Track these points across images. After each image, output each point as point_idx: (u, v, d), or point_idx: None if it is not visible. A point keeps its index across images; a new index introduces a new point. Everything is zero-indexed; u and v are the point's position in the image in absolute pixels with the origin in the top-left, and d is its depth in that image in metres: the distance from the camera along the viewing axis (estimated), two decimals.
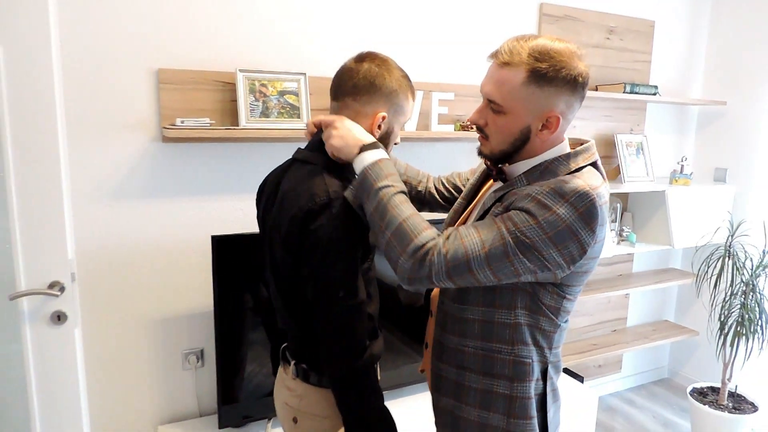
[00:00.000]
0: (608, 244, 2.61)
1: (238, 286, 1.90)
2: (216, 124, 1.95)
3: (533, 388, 1.15)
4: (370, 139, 1.14)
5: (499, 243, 1.00)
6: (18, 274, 1.60)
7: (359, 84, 1.18)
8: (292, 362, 1.27)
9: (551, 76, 1.03)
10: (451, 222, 1.32)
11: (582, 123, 2.82)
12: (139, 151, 1.91)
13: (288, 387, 1.28)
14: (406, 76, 1.22)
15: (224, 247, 1.84)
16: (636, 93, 2.68)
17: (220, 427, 1.94)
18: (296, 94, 2.03)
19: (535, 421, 1.16)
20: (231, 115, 1.99)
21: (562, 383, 2.49)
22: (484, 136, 1.14)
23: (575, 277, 1.10)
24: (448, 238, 1.03)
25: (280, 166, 1.33)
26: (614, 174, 2.89)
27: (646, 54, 2.93)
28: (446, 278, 1.02)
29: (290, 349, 1.30)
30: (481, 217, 1.14)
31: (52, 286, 1.63)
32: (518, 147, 1.10)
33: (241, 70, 1.94)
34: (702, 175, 3.19)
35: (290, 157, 1.31)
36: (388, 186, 1.07)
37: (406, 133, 2.18)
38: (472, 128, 2.21)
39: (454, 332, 1.19)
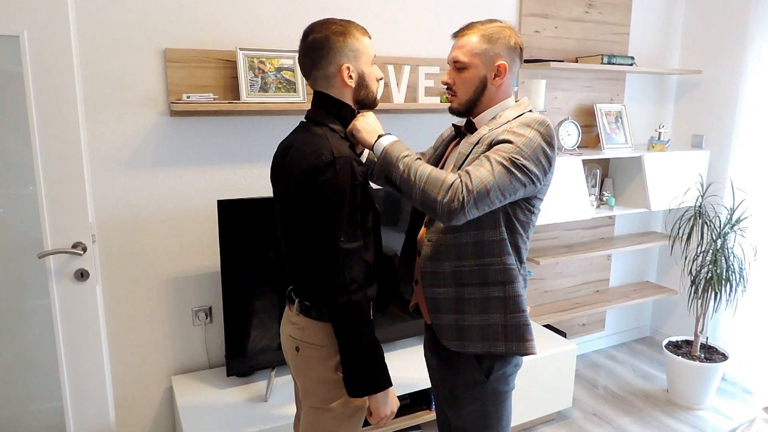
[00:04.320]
0: (588, 207, 2.79)
1: (242, 247, 2.09)
2: (219, 99, 2.12)
3: (521, 287, 1.46)
4: (382, 130, 1.44)
5: (500, 168, 1.31)
6: (45, 235, 1.79)
7: (312, 56, 1.36)
8: (297, 300, 1.45)
9: (497, 37, 1.42)
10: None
11: (563, 94, 2.97)
12: (149, 125, 2.08)
13: (292, 321, 1.47)
14: (345, 23, 1.38)
15: (229, 211, 2.02)
16: (613, 64, 2.83)
17: (228, 375, 2.15)
18: (292, 70, 2.19)
19: (527, 314, 1.47)
20: (233, 91, 2.16)
21: (546, 336, 2.69)
22: (453, 93, 1.48)
23: (542, 189, 1.43)
24: (463, 178, 1.30)
25: (290, 133, 1.51)
26: (594, 142, 3.05)
27: (625, 26, 3.08)
28: (473, 206, 1.29)
29: (295, 290, 1.48)
30: (463, 162, 1.42)
31: (75, 246, 1.82)
32: (479, 94, 1.45)
33: (241, 49, 2.10)
34: (680, 142, 3.35)
35: (291, 129, 1.51)
36: (409, 155, 1.38)
37: (395, 105, 2.35)
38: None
39: (450, 257, 1.45)
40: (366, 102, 1.44)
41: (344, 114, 1.42)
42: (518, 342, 1.45)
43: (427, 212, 1.35)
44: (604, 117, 3.01)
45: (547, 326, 2.93)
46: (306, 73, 1.41)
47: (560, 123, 2.86)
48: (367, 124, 1.43)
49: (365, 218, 1.38)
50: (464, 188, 1.28)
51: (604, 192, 3.06)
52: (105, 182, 2.05)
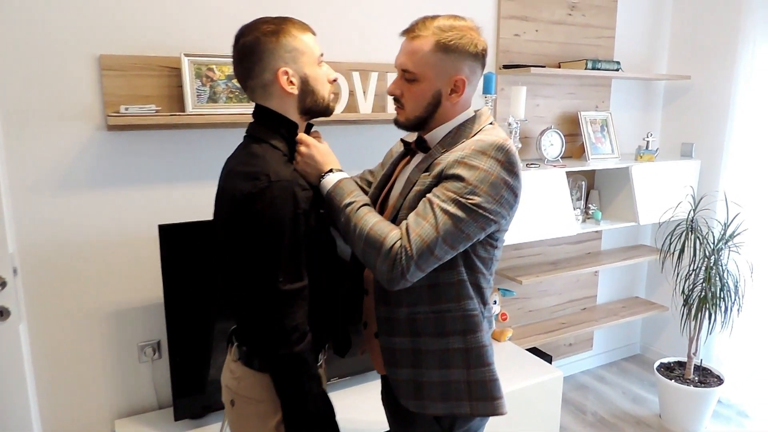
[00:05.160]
0: (573, 222, 2.61)
1: (188, 275, 1.87)
2: (163, 111, 1.90)
3: (485, 337, 1.26)
4: (329, 165, 1.22)
5: (446, 218, 1.09)
6: None
7: (244, 64, 1.16)
8: (235, 344, 1.26)
9: (455, 44, 1.16)
10: (374, 200, 1.36)
11: (545, 101, 2.79)
12: (82, 141, 1.86)
13: (230, 369, 1.27)
14: (279, 20, 1.18)
15: (172, 237, 1.80)
16: (598, 69, 2.66)
17: (176, 419, 1.92)
18: None
19: (494, 367, 1.27)
20: (178, 101, 1.94)
21: (530, 363, 2.49)
22: (400, 106, 1.25)
23: (506, 223, 1.21)
24: (403, 240, 1.10)
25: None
26: (579, 152, 2.87)
27: (610, 30, 2.90)
28: (416, 269, 1.11)
29: (236, 332, 1.28)
30: (410, 191, 1.21)
31: None
32: (431, 112, 1.22)
33: (186, 55, 1.88)
34: (669, 150, 3.19)
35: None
36: (352, 202, 1.17)
37: (362, 115, 2.14)
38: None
39: (402, 303, 1.24)
40: (316, 109, 1.23)
41: (287, 129, 1.21)
42: (485, 401, 1.24)
43: None
44: (589, 125, 2.83)
45: (532, 350, 2.73)
46: (242, 84, 1.21)
47: (542, 132, 2.67)
48: (312, 157, 1.21)
49: (313, 252, 1.18)
50: (404, 253, 1.09)
51: (589, 205, 2.87)
52: (31, 207, 1.82)
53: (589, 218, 2.84)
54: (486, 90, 2.44)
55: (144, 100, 1.90)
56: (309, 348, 1.12)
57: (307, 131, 1.29)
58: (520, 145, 2.54)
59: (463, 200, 1.10)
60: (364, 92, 2.18)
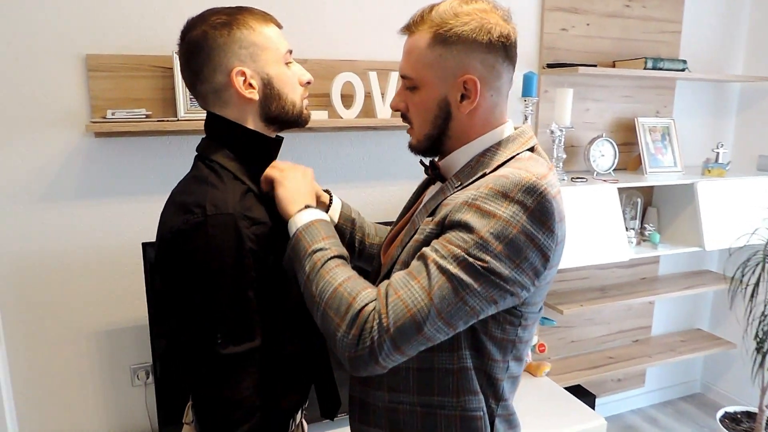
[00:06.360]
0: (625, 246, 2.26)
1: None
2: (155, 115, 1.72)
3: None
4: (300, 202, 0.95)
5: (444, 281, 0.79)
6: None
7: (191, 65, 0.93)
8: (190, 403, 1.04)
9: (457, 32, 0.86)
10: (388, 242, 1.06)
11: (596, 105, 2.45)
12: (68, 148, 1.70)
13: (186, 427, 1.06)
14: (233, 10, 0.94)
15: None
16: (659, 69, 2.30)
17: None
18: None
19: None
20: (172, 105, 1.75)
21: (568, 406, 2.17)
22: (409, 124, 0.97)
23: (535, 294, 0.88)
24: (380, 297, 0.81)
25: None
26: (635, 164, 2.51)
27: (676, 23, 2.52)
28: (393, 350, 0.79)
29: None
30: (410, 239, 0.91)
31: None
32: (442, 128, 0.92)
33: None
34: (743, 164, 2.76)
35: None
36: (323, 249, 0.88)
37: (379, 121, 1.89)
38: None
39: (382, 386, 0.94)
40: (285, 118, 0.99)
41: (243, 143, 0.97)
42: None
43: None
44: (648, 134, 2.47)
45: (575, 387, 2.41)
46: (192, 91, 0.98)
47: (592, 141, 2.34)
48: (277, 198, 0.95)
49: (278, 300, 0.94)
50: (376, 322, 0.79)
51: (646, 225, 2.51)
52: (10, 219, 1.67)
53: (645, 241, 2.47)
54: (526, 92, 2.14)
55: (134, 103, 1.72)
56: (259, 426, 0.89)
57: (280, 144, 1.05)
58: (564, 156, 2.22)
59: (469, 259, 0.79)
60: (382, 94, 1.93)
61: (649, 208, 2.60)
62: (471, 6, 0.88)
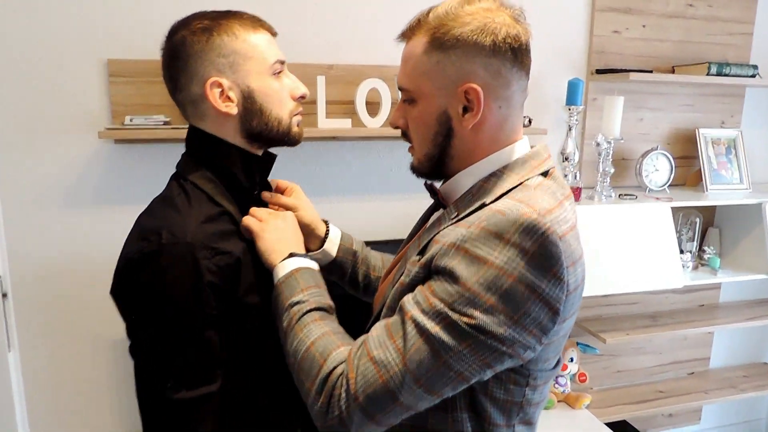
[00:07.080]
0: (679, 270, 2.04)
1: None
2: (173, 122, 1.68)
3: None
4: (285, 250, 0.88)
5: (421, 343, 0.68)
6: None
7: (170, 73, 0.86)
8: None
9: (456, 35, 0.74)
10: (384, 276, 0.97)
11: (652, 115, 2.23)
12: (88, 153, 1.68)
13: None
14: (217, 15, 0.85)
15: None
16: (726, 75, 2.06)
17: None
18: None
19: None
20: None
21: None
22: (410, 142, 0.86)
23: (546, 350, 0.75)
24: (350, 359, 0.72)
25: None
26: (694, 180, 2.28)
27: (747, 24, 2.27)
28: (367, 420, 0.70)
29: None
30: (400, 277, 0.79)
31: None
32: (443, 146, 0.80)
33: None
34: None
35: None
36: (300, 302, 0.81)
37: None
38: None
39: None
40: (269, 135, 0.89)
41: (223, 160, 0.88)
42: None
43: None
44: (711, 146, 2.23)
45: (620, 423, 2.20)
46: (172, 98, 0.90)
47: (645, 154, 2.13)
48: (267, 239, 0.87)
49: (242, 339, 0.84)
50: (343, 389, 0.69)
51: (705, 248, 2.26)
52: (26, 225, 1.66)
53: (703, 265, 2.23)
54: (570, 100, 1.96)
55: (155, 109, 1.68)
56: None
57: (269, 162, 0.96)
58: (612, 170, 2.02)
59: (452, 316, 0.67)
60: None
61: (710, 228, 2.35)
62: (474, 5, 0.76)
